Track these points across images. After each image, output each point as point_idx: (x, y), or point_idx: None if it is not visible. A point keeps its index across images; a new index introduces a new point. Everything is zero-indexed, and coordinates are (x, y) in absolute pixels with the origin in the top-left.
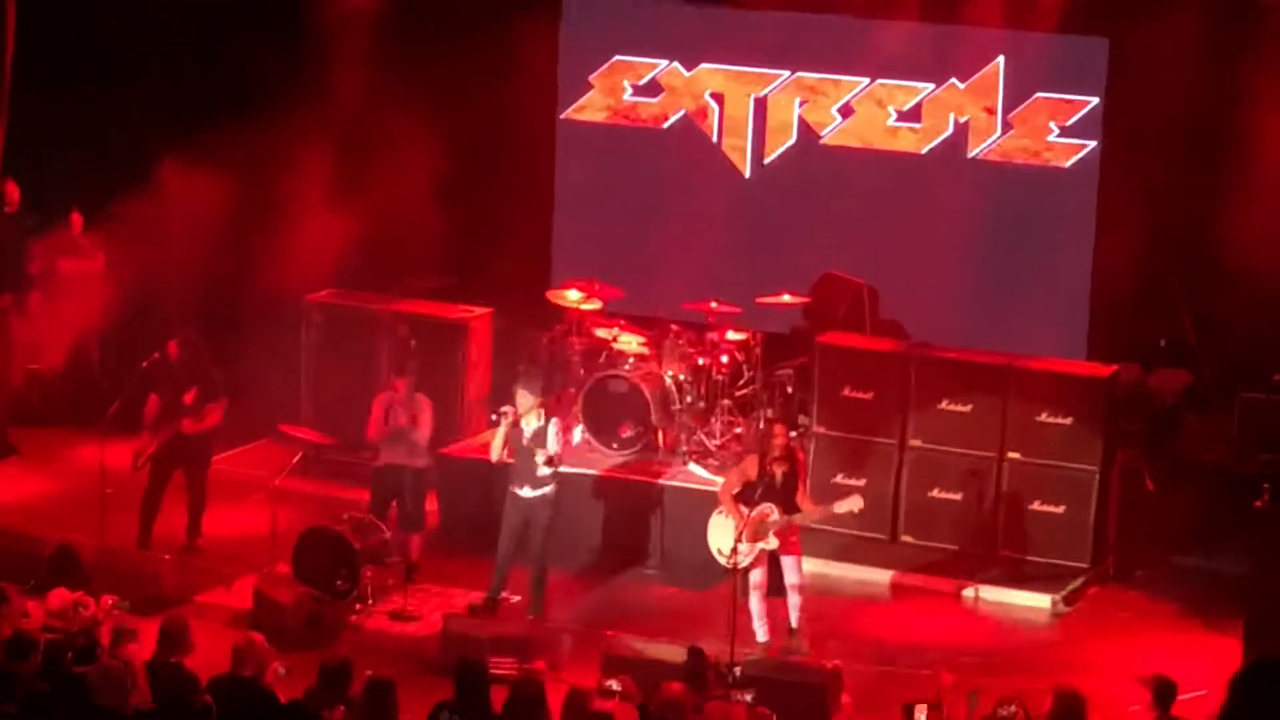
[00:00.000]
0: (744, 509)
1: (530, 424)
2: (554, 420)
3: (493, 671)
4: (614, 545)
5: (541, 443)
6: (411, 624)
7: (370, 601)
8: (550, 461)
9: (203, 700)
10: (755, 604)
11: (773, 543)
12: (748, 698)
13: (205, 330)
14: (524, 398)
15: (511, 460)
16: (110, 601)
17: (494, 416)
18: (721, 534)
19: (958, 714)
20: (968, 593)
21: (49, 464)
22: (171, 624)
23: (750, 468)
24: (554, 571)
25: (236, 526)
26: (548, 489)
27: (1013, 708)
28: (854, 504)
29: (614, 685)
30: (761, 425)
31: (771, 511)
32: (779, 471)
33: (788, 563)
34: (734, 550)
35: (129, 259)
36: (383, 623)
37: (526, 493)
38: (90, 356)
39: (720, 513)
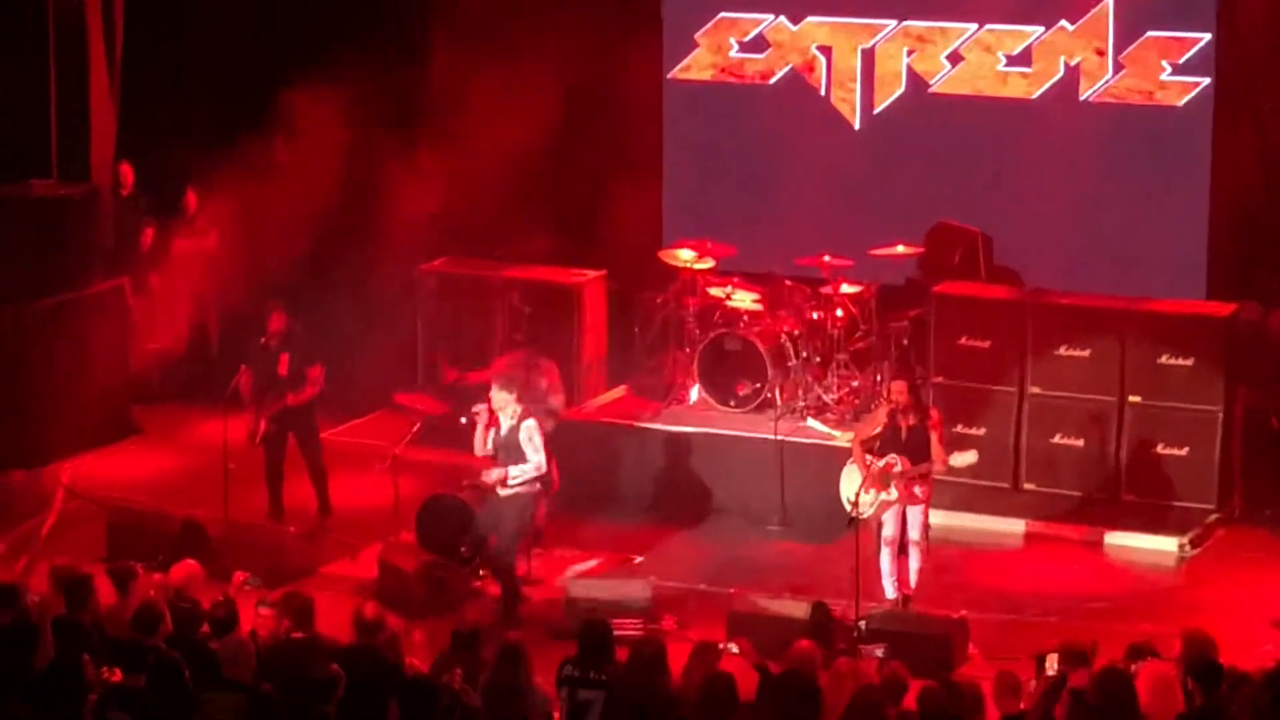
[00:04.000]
0: (869, 459)
1: (506, 422)
2: (529, 423)
3: (618, 633)
4: (734, 503)
5: (513, 445)
6: (535, 588)
7: None
8: (503, 481)
9: (330, 670)
10: (885, 561)
11: (893, 494)
12: (879, 652)
13: (321, 302)
14: (498, 395)
15: (494, 455)
16: (242, 578)
17: (463, 420)
18: (850, 483)
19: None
20: (1092, 538)
21: (171, 442)
22: (294, 599)
23: (882, 418)
24: (675, 531)
25: (359, 497)
26: (518, 490)
27: (1144, 656)
28: (968, 458)
29: (732, 648)
30: (880, 379)
31: (897, 463)
32: (905, 425)
33: (912, 514)
34: (855, 500)
35: (241, 236)
36: None
37: (500, 490)
38: (208, 334)
39: (851, 462)
